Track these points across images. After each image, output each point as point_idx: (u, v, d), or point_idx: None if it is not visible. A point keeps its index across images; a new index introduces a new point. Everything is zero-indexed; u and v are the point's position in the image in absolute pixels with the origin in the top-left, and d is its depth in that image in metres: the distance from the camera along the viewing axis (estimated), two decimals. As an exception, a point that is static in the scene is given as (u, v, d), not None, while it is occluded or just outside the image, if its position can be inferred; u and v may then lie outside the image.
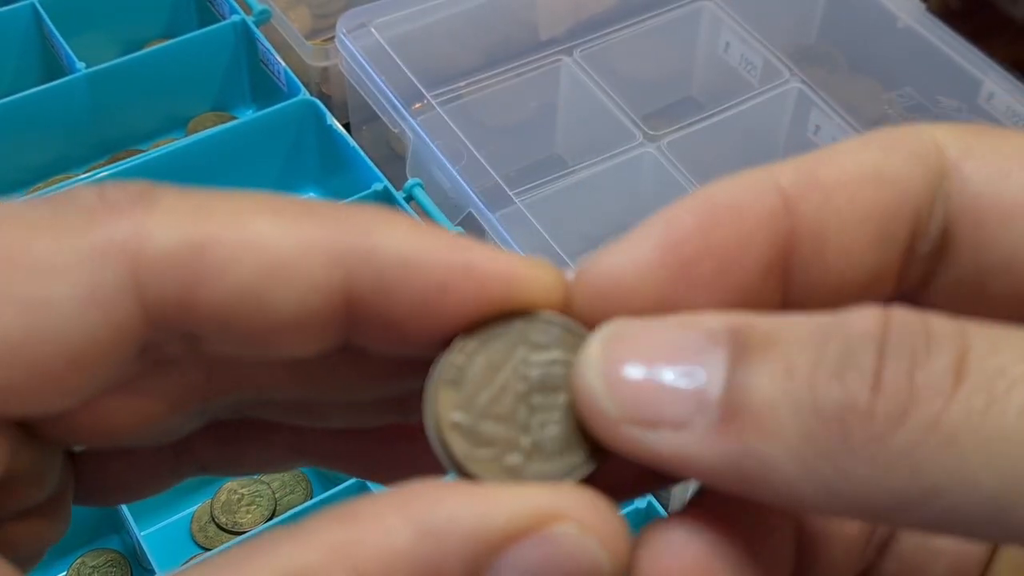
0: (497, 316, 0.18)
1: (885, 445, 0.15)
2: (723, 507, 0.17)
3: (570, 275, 0.19)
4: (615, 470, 0.18)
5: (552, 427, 0.18)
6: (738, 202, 0.18)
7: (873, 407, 0.15)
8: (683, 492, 0.55)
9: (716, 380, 0.16)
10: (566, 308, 0.18)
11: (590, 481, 0.18)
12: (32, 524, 0.19)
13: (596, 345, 0.17)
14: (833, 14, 0.75)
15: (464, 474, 0.17)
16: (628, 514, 0.52)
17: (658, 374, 0.16)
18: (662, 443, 0.16)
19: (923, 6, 0.71)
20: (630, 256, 0.18)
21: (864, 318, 0.16)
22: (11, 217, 0.17)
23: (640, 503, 0.52)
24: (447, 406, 0.18)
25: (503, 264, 0.18)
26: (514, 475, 0.17)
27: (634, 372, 0.16)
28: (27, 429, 0.18)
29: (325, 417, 0.21)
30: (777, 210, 0.18)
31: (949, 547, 0.20)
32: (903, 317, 0.16)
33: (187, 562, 0.53)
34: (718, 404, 0.16)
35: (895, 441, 0.15)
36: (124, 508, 0.53)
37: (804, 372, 0.16)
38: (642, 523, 0.53)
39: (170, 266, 0.17)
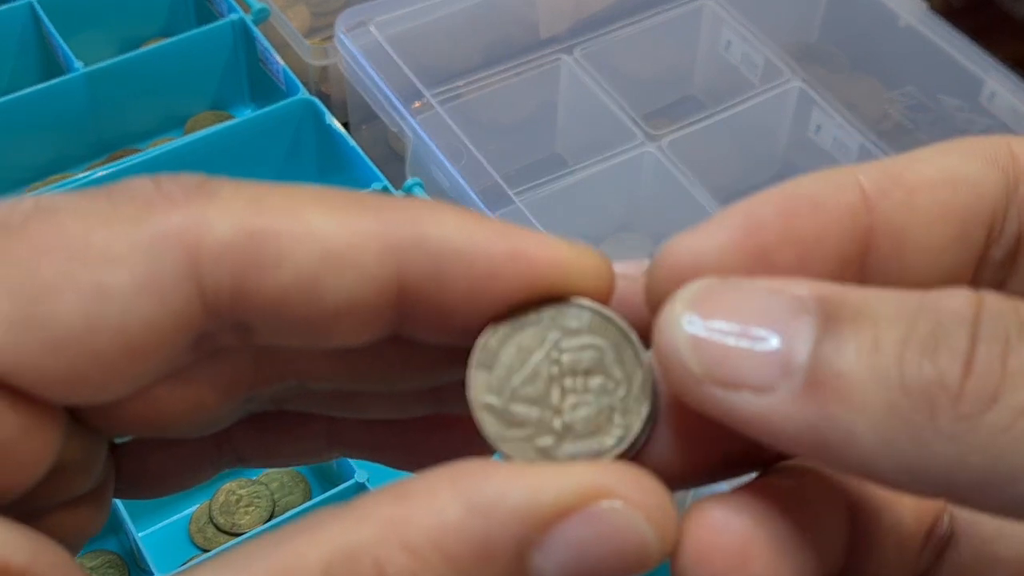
0: (531, 302, 0.18)
1: (972, 426, 0.15)
2: (773, 490, 0.17)
3: (648, 259, 0.19)
4: (657, 459, 0.18)
5: (583, 409, 0.18)
6: (818, 195, 0.18)
7: (963, 387, 0.15)
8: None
9: (803, 346, 0.16)
10: (611, 294, 0.19)
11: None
12: (75, 514, 0.20)
13: (682, 301, 0.17)
14: (834, 13, 0.75)
15: (499, 455, 0.18)
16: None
17: (745, 334, 0.16)
18: (743, 405, 0.16)
19: (925, 5, 0.71)
20: (710, 240, 0.18)
21: (957, 298, 0.16)
22: (69, 208, 0.17)
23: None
24: (480, 388, 0.18)
25: (551, 251, 0.18)
26: (545, 456, 0.18)
27: (720, 331, 0.16)
28: (78, 417, 0.18)
29: (365, 407, 0.22)
30: (857, 206, 0.18)
31: (1010, 555, 0.20)
32: (995, 301, 0.16)
33: (186, 563, 0.52)
34: (803, 370, 0.16)
35: (983, 423, 0.15)
36: (122, 509, 0.53)
37: (893, 347, 0.16)
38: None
39: (227, 256, 0.17)
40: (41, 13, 0.69)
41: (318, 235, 0.17)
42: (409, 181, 0.62)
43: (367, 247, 0.18)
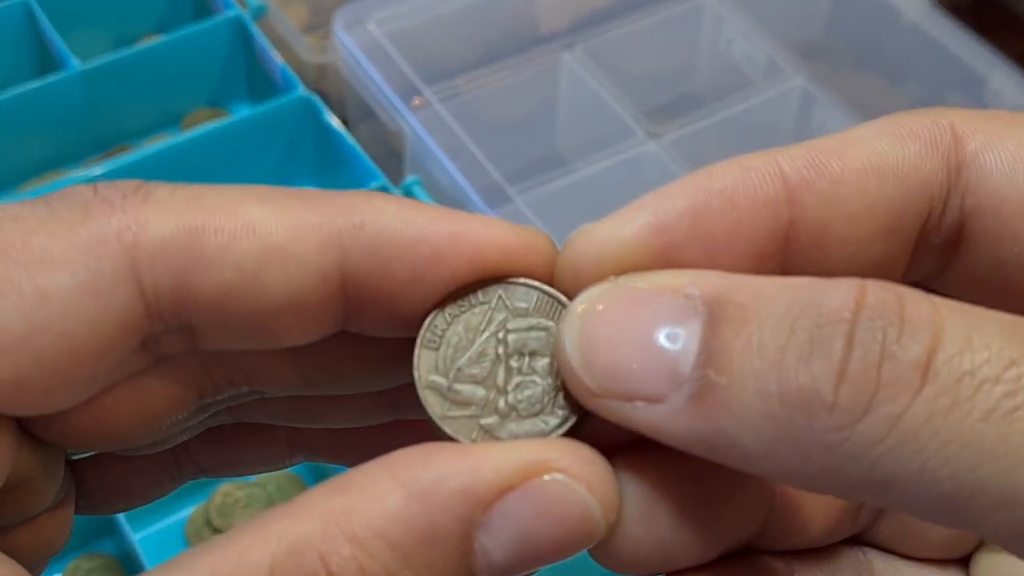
0: (479, 282, 0.19)
1: (846, 436, 0.15)
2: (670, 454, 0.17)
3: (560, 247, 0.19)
4: (597, 433, 0.18)
5: (528, 389, 0.18)
6: (734, 188, 0.18)
7: (836, 398, 0.15)
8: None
9: (689, 354, 0.16)
10: (552, 273, 0.19)
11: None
12: (35, 532, 0.20)
13: (574, 318, 0.17)
14: (837, 10, 0.74)
15: (443, 434, 0.18)
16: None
17: (636, 345, 0.16)
18: (638, 415, 0.16)
19: (929, 1, 0.70)
20: (616, 233, 0.18)
21: (838, 295, 0.16)
22: (7, 215, 0.17)
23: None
24: (426, 367, 0.18)
25: (493, 232, 0.18)
26: (489, 435, 0.18)
27: (609, 345, 0.17)
28: (30, 433, 0.18)
29: (322, 417, 0.22)
30: (776, 199, 0.18)
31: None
32: (878, 298, 0.15)
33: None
34: (690, 381, 0.16)
35: (856, 433, 0.15)
36: (117, 511, 0.53)
37: (772, 353, 0.15)
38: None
39: (167, 254, 0.17)
40: (37, 10, 0.69)
41: (257, 229, 0.17)
42: (408, 179, 0.62)
43: (307, 239, 0.17)
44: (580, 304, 0.17)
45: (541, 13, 0.71)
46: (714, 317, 0.16)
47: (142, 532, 0.57)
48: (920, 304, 0.15)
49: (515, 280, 0.19)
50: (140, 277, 0.17)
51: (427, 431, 0.21)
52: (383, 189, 0.62)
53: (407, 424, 0.22)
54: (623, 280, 0.17)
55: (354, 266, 0.18)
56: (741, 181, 0.18)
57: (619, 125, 0.66)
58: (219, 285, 0.17)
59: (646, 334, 0.16)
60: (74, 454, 0.21)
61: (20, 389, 0.17)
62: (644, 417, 0.16)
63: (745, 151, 0.65)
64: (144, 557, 0.51)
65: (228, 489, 0.58)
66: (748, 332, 0.16)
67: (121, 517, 0.53)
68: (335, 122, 0.65)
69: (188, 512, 0.58)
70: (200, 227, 0.17)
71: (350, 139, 0.64)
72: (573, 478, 0.16)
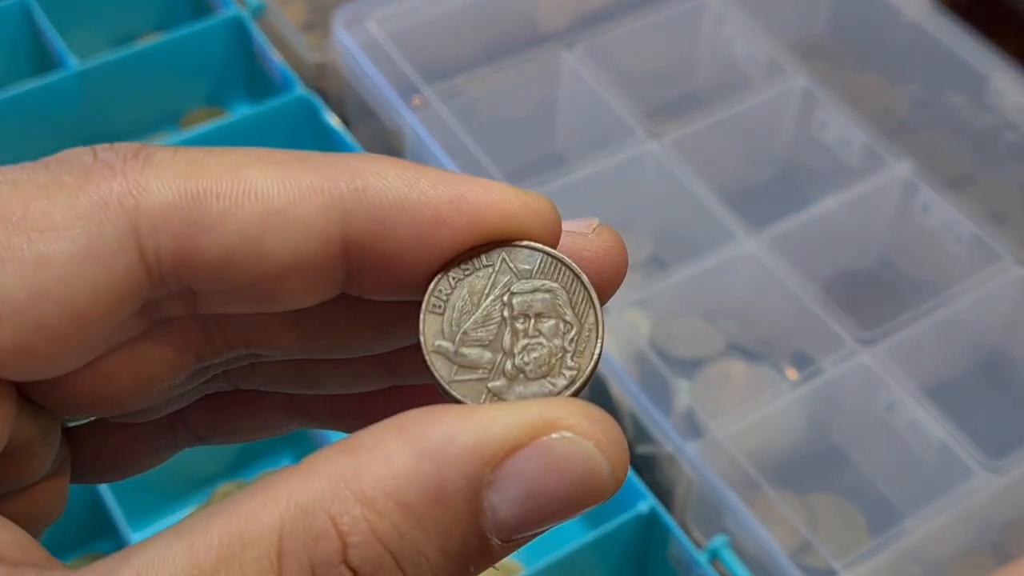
0: (482, 246, 0.18)
1: None
2: None
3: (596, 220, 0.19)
4: None
5: (535, 351, 0.18)
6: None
7: None
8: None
9: None
10: (557, 238, 0.19)
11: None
12: (32, 500, 0.20)
13: None
14: (838, 9, 0.74)
15: (451, 398, 0.18)
16: (630, 520, 0.51)
17: None
18: None
19: (930, 1, 0.70)
20: None
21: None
22: (5, 179, 0.17)
23: (643, 508, 0.51)
24: (431, 332, 0.18)
25: (496, 195, 0.18)
26: (497, 398, 0.18)
27: None
28: (28, 397, 0.18)
29: (319, 382, 0.22)
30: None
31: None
32: None
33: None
34: None
35: None
36: (116, 510, 0.53)
37: None
38: (647, 526, 0.52)
39: (169, 218, 0.17)
40: (35, 9, 0.69)
41: (259, 193, 0.17)
42: (407, 179, 0.62)
43: (310, 202, 0.17)
44: None
45: (541, 12, 0.71)
46: None
47: (141, 532, 0.57)
48: None
49: (518, 243, 0.19)
50: (141, 242, 0.17)
51: (423, 396, 0.21)
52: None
53: (403, 390, 0.22)
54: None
55: (356, 230, 0.18)
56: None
57: (619, 124, 0.65)
58: (221, 249, 0.17)
59: None
60: (70, 421, 0.21)
61: (21, 354, 0.17)
62: None
63: (746, 150, 0.65)
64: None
65: (228, 488, 0.58)
66: None
67: (119, 516, 0.53)
68: (334, 121, 0.65)
69: (187, 512, 0.58)
70: (202, 191, 0.17)
71: (349, 138, 0.64)
72: (581, 435, 0.16)
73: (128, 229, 0.17)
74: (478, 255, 0.19)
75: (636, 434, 0.55)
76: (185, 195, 0.17)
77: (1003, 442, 0.55)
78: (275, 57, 0.68)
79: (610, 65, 0.68)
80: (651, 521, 0.52)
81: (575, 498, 0.16)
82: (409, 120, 0.63)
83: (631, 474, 0.51)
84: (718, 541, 0.51)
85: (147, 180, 0.17)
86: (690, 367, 0.60)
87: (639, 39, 0.70)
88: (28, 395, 0.18)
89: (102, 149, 0.18)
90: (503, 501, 0.16)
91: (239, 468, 0.60)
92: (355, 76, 0.66)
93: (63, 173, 0.17)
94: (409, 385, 0.22)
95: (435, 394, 0.18)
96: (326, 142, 0.66)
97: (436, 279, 0.18)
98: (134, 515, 0.56)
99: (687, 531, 0.53)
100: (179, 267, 0.17)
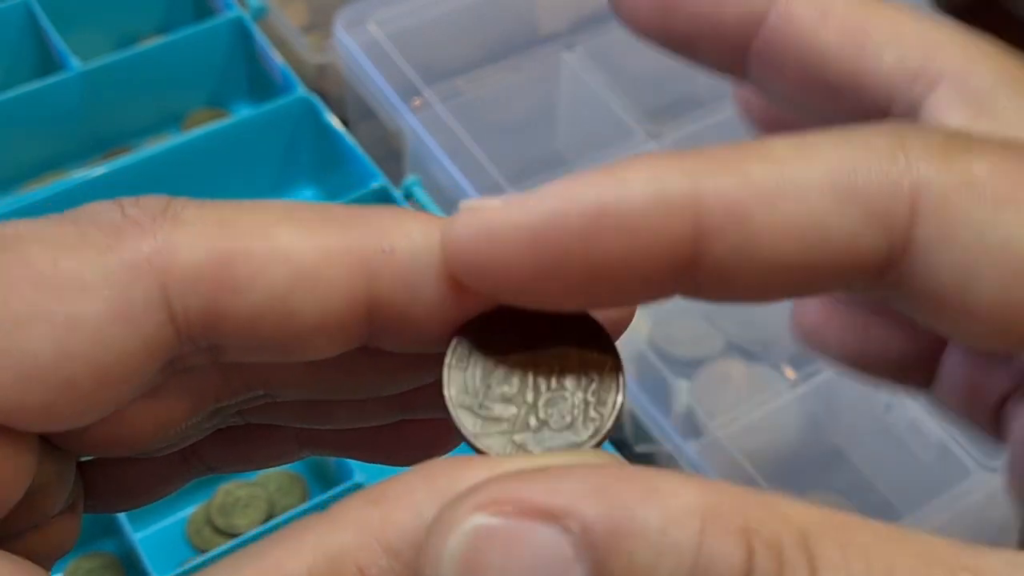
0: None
1: None
2: None
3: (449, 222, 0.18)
4: None
5: (558, 404, 0.19)
6: (638, 219, 0.16)
7: None
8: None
9: None
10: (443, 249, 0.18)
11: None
12: (48, 534, 0.20)
13: (453, 550, 0.15)
14: (837, 10, 0.74)
15: (477, 451, 0.18)
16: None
17: None
18: None
19: (929, 3, 0.70)
20: (501, 235, 0.17)
21: (727, 548, 0.14)
22: (35, 237, 0.17)
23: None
24: (456, 388, 0.19)
25: None
26: (522, 450, 0.18)
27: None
28: (48, 440, 0.18)
29: (332, 418, 0.22)
30: (684, 239, 0.16)
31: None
32: (766, 552, 0.14)
33: (183, 565, 0.52)
34: None
35: None
36: (118, 511, 0.53)
37: None
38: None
39: (198, 279, 0.17)
40: (37, 10, 0.69)
41: (288, 254, 0.17)
42: (408, 179, 0.62)
43: (338, 264, 0.18)
44: (454, 535, 0.15)
45: (541, 14, 0.71)
46: (600, 567, 0.15)
47: (143, 532, 0.57)
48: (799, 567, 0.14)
49: None
50: (171, 302, 0.17)
51: (433, 427, 0.22)
52: (383, 189, 0.62)
53: (413, 420, 0.22)
54: (493, 498, 0.15)
55: (382, 290, 0.18)
56: (649, 211, 0.16)
57: (619, 125, 0.66)
58: (249, 309, 0.17)
59: None
60: (85, 457, 0.21)
61: (48, 411, 0.17)
62: None
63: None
64: (145, 557, 0.51)
65: (229, 488, 0.58)
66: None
67: (122, 517, 0.53)
68: (335, 122, 0.65)
69: (189, 511, 0.58)
70: (232, 252, 0.17)
71: (350, 139, 0.64)
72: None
73: (158, 290, 0.17)
74: (501, 309, 0.19)
75: (636, 433, 0.56)
76: (215, 256, 0.17)
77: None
78: (276, 58, 0.68)
79: (610, 66, 0.68)
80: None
81: None
82: (409, 121, 0.63)
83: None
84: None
85: (177, 240, 0.17)
86: (690, 367, 0.60)
87: (638, 41, 0.70)
88: (47, 438, 0.18)
89: (130, 205, 0.18)
90: None
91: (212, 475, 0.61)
92: (356, 77, 0.66)
93: (91, 231, 0.17)
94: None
95: (445, 425, 0.19)
96: (327, 143, 0.66)
97: (458, 336, 0.19)
98: (137, 515, 0.56)
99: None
100: (207, 326, 0.17)
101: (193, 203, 0.18)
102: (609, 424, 0.18)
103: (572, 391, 0.19)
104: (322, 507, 0.57)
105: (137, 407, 0.19)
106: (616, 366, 0.19)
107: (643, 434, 0.55)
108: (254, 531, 0.54)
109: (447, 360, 0.19)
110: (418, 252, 0.18)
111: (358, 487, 0.52)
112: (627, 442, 0.56)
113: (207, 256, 0.17)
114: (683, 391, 0.57)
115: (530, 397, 0.19)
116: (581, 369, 0.19)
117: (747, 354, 0.62)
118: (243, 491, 0.58)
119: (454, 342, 0.19)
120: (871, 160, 0.16)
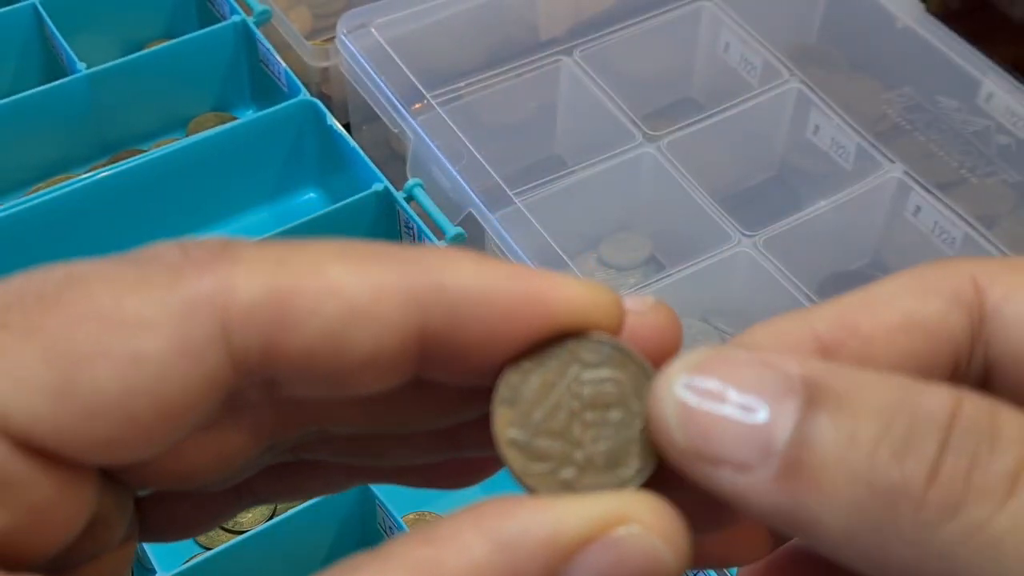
0: (551, 337, 0.19)
1: (930, 534, 0.16)
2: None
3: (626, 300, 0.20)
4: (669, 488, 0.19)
5: (604, 442, 0.19)
6: (770, 351, 0.18)
7: (926, 496, 0.16)
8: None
9: (783, 430, 0.17)
10: (621, 328, 0.19)
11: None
12: (104, 566, 0.20)
13: (673, 375, 0.18)
14: (832, 14, 0.75)
15: (524, 487, 0.19)
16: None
17: (730, 413, 0.17)
18: (724, 480, 0.17)
19: (922, 6, 0.71)
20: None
21: (935, 398, 0.16)
22: (99, 276, 0.18)
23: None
24: (504, 424, 0.19)
25: (565, 290, 0.19)
26: (568, 488, 0.18)
27: (707, 408, 0.17)
28: (108, 474, 0.19)
29: (382, 455, 0.22)
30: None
31: None
32: (972, 407, 0.16)
33: (188, 561, 0.53)
34: (781, 456, 0.17)
35: (941, 533, 0.16)
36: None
37: (867, 443, 0.16)
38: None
39: (256, 316, 0.18)
40: (44, 14, 0.69)
41: (342, 291, 0.18)
42: (409, 182, 0.62)
43: (390, 300, 0.18)
44: (681, 364, 0.18)
45: (541, 19, 0.72)
46: (812, 399, 0.17)
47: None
48: (1011, 420, 0.16)
49: (585, 335, 0.19)
50: (230, 339, 0.18)
51: (480, 464, 0.22)
52: (385, 192, 0.62)
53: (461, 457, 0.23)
54: (726, 349, 0.18)
55: (432, 325, 0.18)
56: (777, 344, 0.19)
57: (618, 128, 0.66)
58: (305, 345, 0.18)
59: (745, 403, 0.17)
60: (142, 491, 0.21)
61: (111, 446, 0.17)
62: (729, 483, 0.17)
63: (742, 154, 0.66)
64: (150, 552, 0.52)
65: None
66: (843, 420, 0.17)
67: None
68: (338, 125, 0.66)
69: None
70: (288, 289, 0.18)
71: (352, 142, 0.65)
72: (649, 530, 0.17)
73: (218, 326, 0.17)
74: (547, 346, 0.19)
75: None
76: (272, 293, 0.18)
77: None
78: (280, 62, 0.68)
79: (608, 70, 0.69)
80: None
81: None
82: (411, 124, 0.64)
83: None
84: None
85: (235, 278, 0.18)
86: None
87: (637, 45, 0.71)
88: (106, 474, 0.19)
89: (191, 245, 0.18)
90: None
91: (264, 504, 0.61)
92: (359, 81, 0.67)
93: (153, 270, 0.18)
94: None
95: (491, 462, 0.19)
96: (330, 146, 0.67)
97: (507, 371, 0.19)
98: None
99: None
100: (264, 361, 0.18)
101: (251, 244, 0.18)
102: (652, 465, 0.19)
103: (618, 429, 0.19)
104: (326, 505, 0.57)
105: (195, 443, 0.19)
106: None
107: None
108: (258, 528, 0.55)
109: (496, 394, 0.19)
110: (468, 288, 0.18)
111: (364, 490, 0.53)
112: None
113: (264, 293, 0.18)
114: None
115: (577, 432, 0.19)
116: (629, 407, 0.19)
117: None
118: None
119: (504, 376, 0.19)
120: (932, 268, 0.20)
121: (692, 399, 0.17)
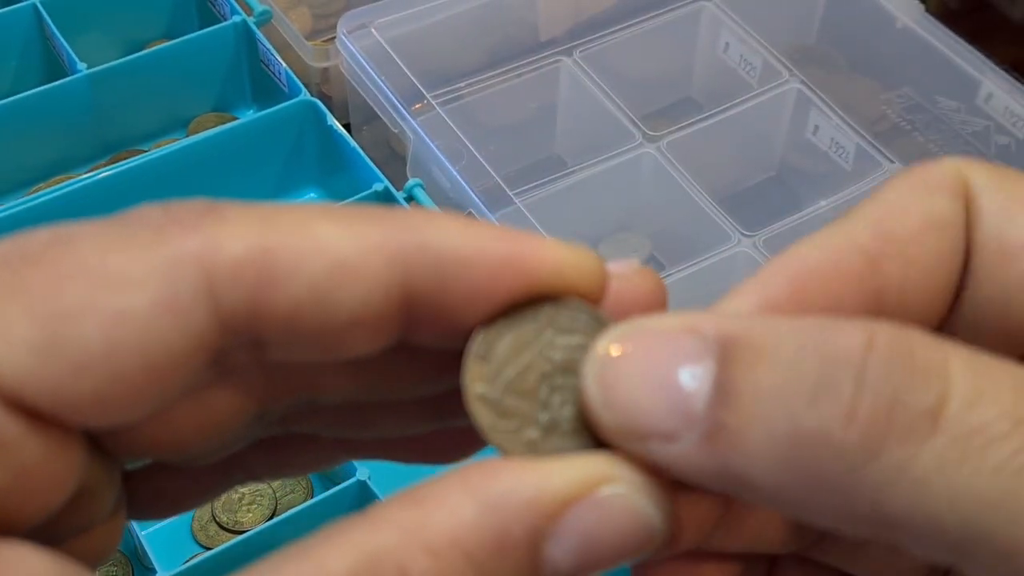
0: (530, 299, 0.19)
1: (855, 479, 0.16)
2: None
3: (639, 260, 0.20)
4: None
5: (570, 407, 0.19)
6: (827, 267, 0.19)
7: (845, 440, 0.16)
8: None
9: (702, 395, 0.17)
10: (604, 293, 0.19)
11: None
12: (90, 541, 0.20)
13: (595, 358, 0.18)
14: (832, 15, 0.75)
15: (490, 444, 0.19)
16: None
17: (649, 388, 0.17)
18: (655, 452, 0.17)
19: (922, 7, 0.71)
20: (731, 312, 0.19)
21: (849, 336, 0.16)
22: (85, 235, 0.18)
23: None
24: (473, 378, 0.19)
25: (548, 252, 0.19)
26: (532, 449, 0.19)
27: (627, 385, 0.17)
28: (95, 444, 0.19)
29: (371, 426, 0.22)
30: (864, 272, 0.19)
31: None
32: (888, 341, 0.16)
33: (188, 561, 0.53)
34: (702, 420, 0.17)
35: (864, 476, 0.15)
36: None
37: (782, 394, 0.16)
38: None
39: (241, 273, 0.18)
40: (45, 15, 0.70)
41: (327, 247, 0.18)
42: (410, 182, 0.63)
43: (374, 256, 0.18)
44: (601, 344, 0.18)
45: (541, 19, 0.72)
46: (727, 357, 0.17)
47: (149, 528, 0.58)
48: (930, 351, 0.16)
49: (565, 300, 0.19)
50: (216, 296, 0.18)
51: (467, 436, 0.22)
52: (386, 192, 0.63)
53: (449, 429, 0.23)
54: (643, 321, 0.18)
55: (417, 282, 0.18)
56: (828, 260, 0.19)
57: (617, 128, 0.66)
58: (291, 301, 0.18)
59: (662, 374, 0.17)
60: (129, 464, 0.21)
61: (98, 403, 0.17)
62: (660, 454, 0.17)
63: (741, 153, 0.66)
64: (151, 552, 0.52)
65: (236, 481, 0.59)
66: (758, 372, 0.16)
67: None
68: (338, 126, 0.66)
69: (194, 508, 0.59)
70: (273, 247, 0.18)
71: (353, 142, 0.65)
72: (634, 489, 0.17)
73: (203, 283, 0.17)
74: (526, 308, 0.19)
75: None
76: (256, 249, 0.18)
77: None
78: (280, 63, 0.68)
79: (608, 71, 0.69)
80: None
81: (628, 547, 0.17)
82: (412, 124, 0.64)
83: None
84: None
85: (220, 235, 0.18)
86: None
87: (636, 45, 0.71)
88: (95, 442, 0.19)
89: (177, 207, 0.18)
90: (561, 552, 0.17)
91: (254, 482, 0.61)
92: (359, 81, 0.67)
93: (138, 229, 0.18)
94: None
95: (479, 435, 0.19)
96: (330, 146, 0.67)
97: (483, 329, 0.19)
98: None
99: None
100: (251, 319, 0.18)
101: (235, 204, 0.18)
102: None
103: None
104: (326, 504, 0.57)
105: (183, 409, 0.19)
106: None
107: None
108: (259, 528, 0.55)
109: (470, 349, 0.19)
110: (451, 246, 0.18)
111: (362, 484, 0.53)
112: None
113: (249, 250, 0.18)
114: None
115: (544, 394, 0.19)
116: None
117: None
118: (247, 488, 0.59)
119: (479, 332, 0.19)
120: (938, 173, 0.20)
121: (611, 376, 0.18)
